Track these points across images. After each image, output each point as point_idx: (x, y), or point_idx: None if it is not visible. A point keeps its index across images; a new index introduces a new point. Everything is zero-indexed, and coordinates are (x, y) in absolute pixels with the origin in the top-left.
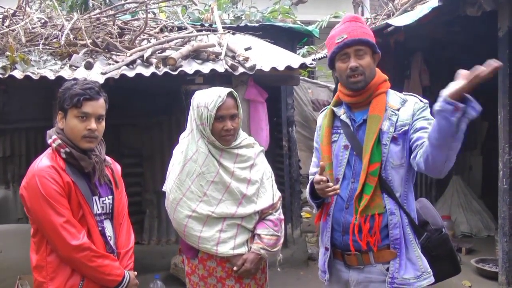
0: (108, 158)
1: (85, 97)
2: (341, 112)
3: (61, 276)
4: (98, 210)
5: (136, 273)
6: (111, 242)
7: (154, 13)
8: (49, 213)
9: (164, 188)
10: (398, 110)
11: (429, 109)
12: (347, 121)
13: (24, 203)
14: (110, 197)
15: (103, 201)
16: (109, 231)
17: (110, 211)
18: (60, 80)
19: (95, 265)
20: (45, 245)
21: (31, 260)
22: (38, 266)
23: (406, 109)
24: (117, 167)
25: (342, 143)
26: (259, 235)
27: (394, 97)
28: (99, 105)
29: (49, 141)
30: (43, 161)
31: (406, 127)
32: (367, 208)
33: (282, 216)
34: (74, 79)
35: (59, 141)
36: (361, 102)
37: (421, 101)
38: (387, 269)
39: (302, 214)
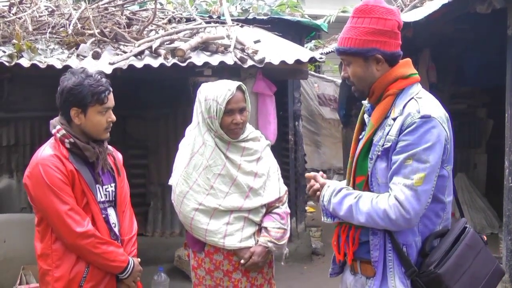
0: (109, 146)
1: (108, 92)
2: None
3: (67, 264)
4: (102, 198)
5: (139, 259)
6: (116, 229)
7: (161, 4)
8: (53, 201)
9: (170, 182)
10: (395, 119)
11: (426, 126)
12: (366, 120)
13: (28, 192)
14: (113, 184)
15: (106, 189)
16: (113, 219)
17: (113, 198)
18: (67, 69)
19: (99, 252)
20: (50, 233)
21: (36, 249)
22: (43, 254)
23: (399, 120)
24: (119, 155)
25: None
26: (266, 228)
27: (402, 101)
28: (112, 97)
29: (53, 131)
30: (46, 150)
31: (389, 144)
32: None
33: (288, 210)
34: (74, 72)
35: (63, 131)
36: (375, 104)
37: (418, 112)
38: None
39: (306, 208)
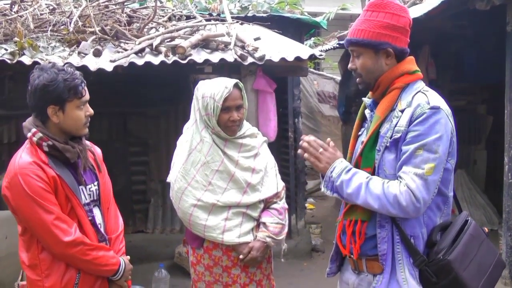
0: (87, 142)
1: (84, 84)
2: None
3: (57, 272)
4: (86, 199)
5: (129, 257)
6: (102, 230)
7: (161, 2)
8: (37, 211)
9: (168, 179)
10: (403, 111)
11: (435, 116)
12: (368, 116)
13: (9, 204)
14: (96, 183)
15: (89, 188)
16: (99, 219)
17: (98, 197)
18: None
19: (90, 258)
20: (36, 243)
21: (22, 259)
22: (31, 265)
23: (408, 112)
24: (98, 150)
25: (362, 139)
26: (264, 223)
27: (408, 95)
28: (87, 89)
29: (29, 134)
30: (23, 157)
31: (399, 135)
32: (352, 211)
33: (286, 205)
34: (43, 68)
35: (40, 134)
36: (378, 99)
37: (427, 103)
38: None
39: (306, 205)
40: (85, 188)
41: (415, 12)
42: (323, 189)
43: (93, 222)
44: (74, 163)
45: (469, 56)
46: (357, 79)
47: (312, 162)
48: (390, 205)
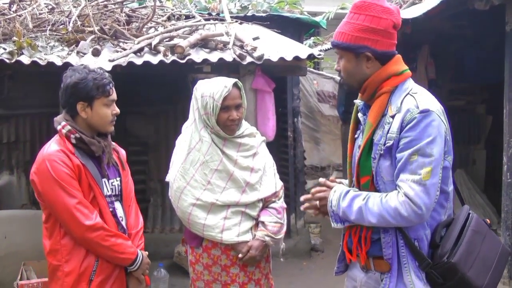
0: (113, 143)
1: (111, 84)
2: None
3: (76, 258)
4: (108, 191)
5: (147, 253)
6: (123, 223)
7: (160, 1)
8: (61, 195)
9: (167, 179)
10: (393, 116)
11: (426, 120)
12: (361, 120)
13: (35, 188)
14: (118, 179)
15: (112, 183)
16: (120, 212)
17: (119, 192)
18: (67, 66)
19: (109, 244)
20: (58, 229)
21: (45, 247)
22: (52, 250)
23: (398, 117)
24: (122, 151)
25: (359, 143)
26: (263, 222)
27: (398, 98)
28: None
29: (58, 127)
30: (51, 146)
31: (391, 142)
32: None
33: (284, 205)
34: (75, 69)
35: (68, 127)
36: (368, 101)
37: (416, 107)
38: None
39: None
40: (108, 181)
41: (414, 12)
42: (333, 224)
43: (114, 214)
44: (98, 156)
45: (468, 56)
46: (342, 80)
47: (319, 212)
48: (392, 218)
